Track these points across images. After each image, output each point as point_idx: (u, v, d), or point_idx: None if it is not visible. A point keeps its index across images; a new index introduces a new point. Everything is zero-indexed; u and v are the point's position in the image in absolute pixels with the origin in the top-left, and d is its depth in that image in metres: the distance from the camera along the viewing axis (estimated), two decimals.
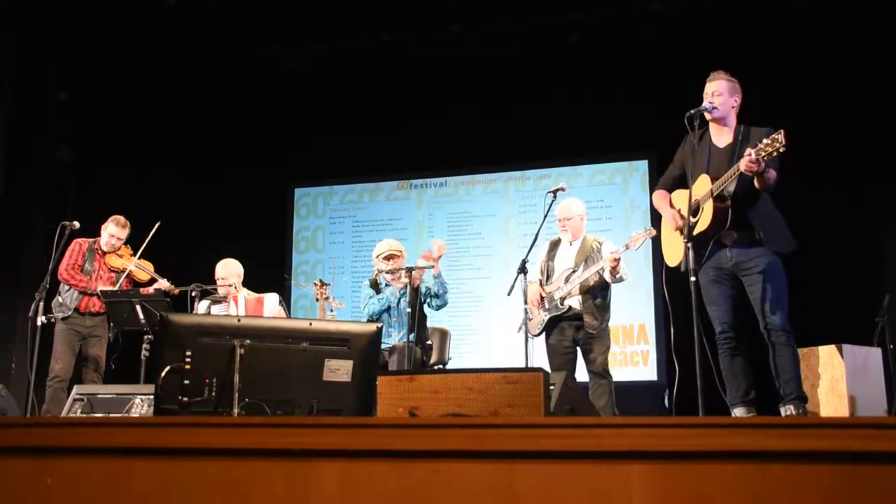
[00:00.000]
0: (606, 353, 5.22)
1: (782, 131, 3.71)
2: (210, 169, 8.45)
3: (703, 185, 4.03)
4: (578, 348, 5.27)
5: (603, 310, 5.21)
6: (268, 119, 8.43)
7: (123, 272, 6.02)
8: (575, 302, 5.22)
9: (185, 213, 8.12)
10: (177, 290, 6.02)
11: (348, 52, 8.13)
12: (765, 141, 3.74)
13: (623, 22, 7.51)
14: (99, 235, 6.10)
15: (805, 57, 6.79)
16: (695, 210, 4.03)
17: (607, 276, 5.12)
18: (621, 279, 5.14)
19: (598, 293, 5.20)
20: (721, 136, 4.16)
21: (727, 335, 4.07)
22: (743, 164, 3.79)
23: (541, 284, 5.36)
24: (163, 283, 6.03)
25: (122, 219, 6.11)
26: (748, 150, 3.81)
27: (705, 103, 4.11)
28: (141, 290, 5.98)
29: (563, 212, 5.39)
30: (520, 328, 5.33)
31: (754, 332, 4.06)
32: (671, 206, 4.30)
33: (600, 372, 5.15)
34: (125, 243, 6.16)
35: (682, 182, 4.29)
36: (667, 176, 4.44)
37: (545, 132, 7.84)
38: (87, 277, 5.96)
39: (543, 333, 5.36)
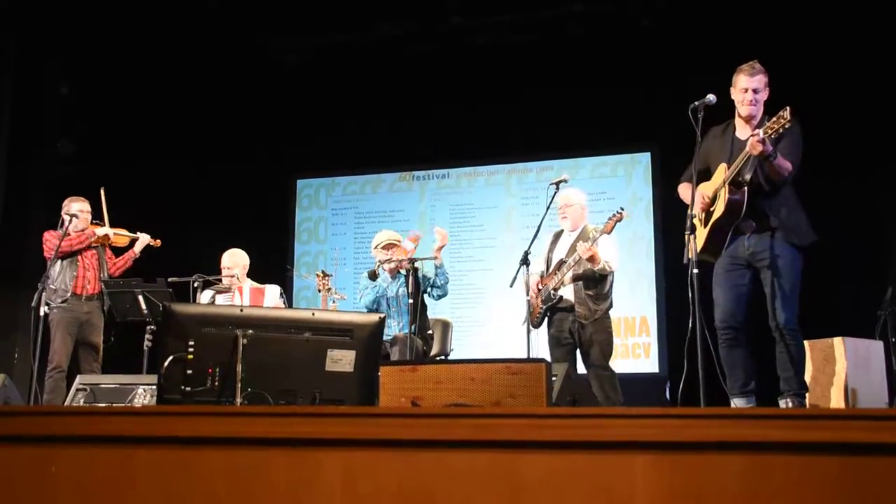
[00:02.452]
0: (604, 345, 5.07)
1: (788, 108, 3.68)
2: (212, 161, 8.44)
3: (720, 174, 4.01)
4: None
5: (598, 299, 5.08)
6: (270, 111, 8.42)
7: (105, 242, 6.01)
8: (568, 292, 5.14)
9: (187, 204, 8.12)
10: (158, 242, 6.11)
11: (350, 44, 8.11)
12: (772, 119, 3.72)
13: (625, 14, 7.49)
14: (61, 227, 5.95)
15: (807, 50, 6.76)
16: (713, 199, 4.01)
17: (596, 268, 5.05)
18: (604, 270, 5.04)
19: (590, 283, 5.08)
20: (745, 130, 4.06)
21: (727, 325, 4.04)
22: (749, 146, 3.77)
23: (541, 276, 5.33)
24: (143, 238, 6.09)
25: (78, 197, 6.06)
26: (755, 131, 3.79)
27: (742, 98, 4.01)
28: (127, 253, 6.08)
29: (564, 199, 5.32)
30: (524, 321, 5.32)
31: (759, 324, 4.04)
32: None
33: (597, 365, 5.03)
34: (91, 221, 6.10)
35: (706, 175, 4.22)
36: (690, 170, 4.37)
37: (547, 124, 7.82)
38: (80, 232, 5.93)
39: (545, 324, 5.34)
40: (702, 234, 4.07)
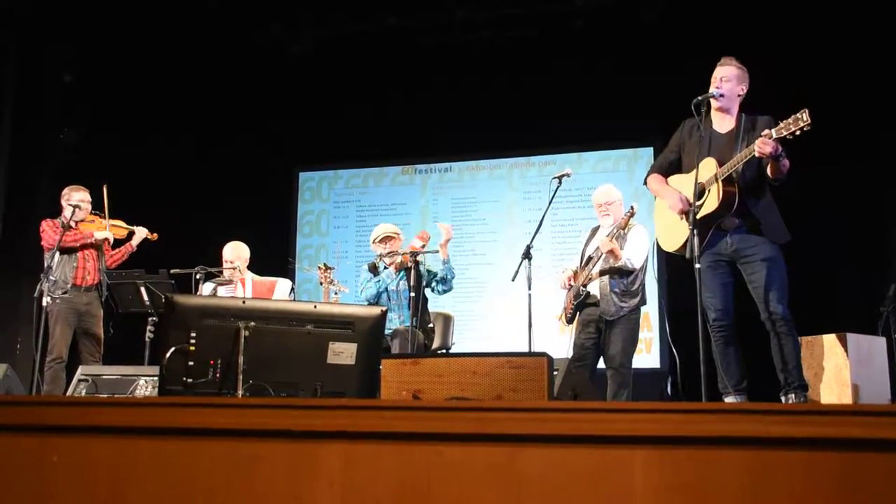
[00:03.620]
0: (626, 344, 4.97)
1: (806, 110, 3.61)
2: (215, 152, 8.44)
3: (708, 168, 4.01)
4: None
5: (625, 296, 5.01)
6: (273, 103, 8.42)
7: (102, 244, 6.00)
8: (595, 287, 5.09)
9: (190, 196, 8.13)
10: (155, 235, 6.12)
11: (354, 36, 8.10)
12: (787, 120, 3.68)
13: (628, 8, 7.47)
14: (61, 217, 5.97)
15: (815, 40, 6.74)
16: (700, 193, 4.00)
17: (617, 264, 5.01)
18: (625, 266, 5.02)
19: (615, 279, 5.02)
20: (723, 123, 4.13)
21: (721, 323, 4.06)
22: (758, 146, 3.74)
23: (574, 272, 5.27)
24: (140, 232, 6.11)
25: (79, 186, 6.06)
26: (765, 131, 3.77)
27: (712, 89, 4.08)
28: (124, 246, 6.08)
29: (604, 196, 5.28)
30: (560, 315, 5.31)
31: (749, 321, 4.05)
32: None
33: (615, 364, 4.95)
34: (91, 211, 6.08)
35: (678, 167, 4.28)
36: (661, 161, 4.40)
37: (550, 119, 7.81)
38: (76, 229, 5.91)
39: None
40: (682, 228, 4.08)
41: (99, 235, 5.95)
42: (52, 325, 5.76)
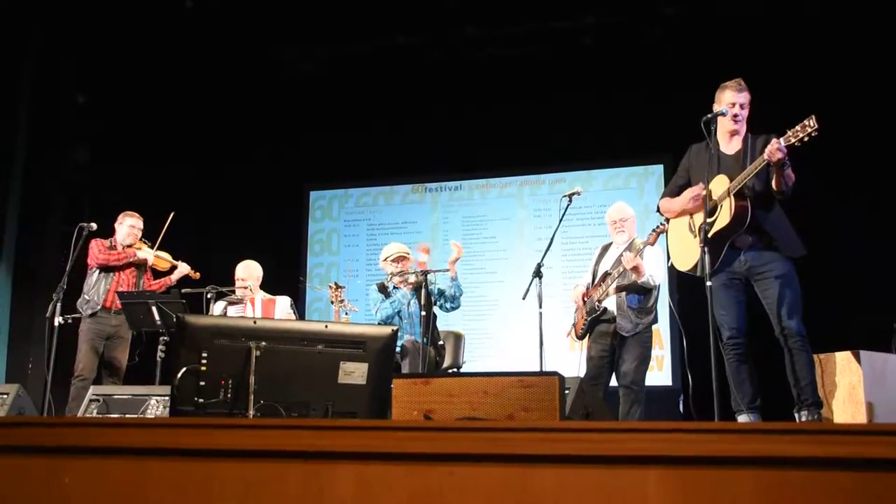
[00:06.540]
0: (640, 361, 4.96)
1: (814, 115, 3.64)
2: (226, 171, 8.48)
3: (720, 185, 4.01)
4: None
5: (641, 313, 5.01)
6: (283, 121, 8.46)
7: (145, 263, 6.07)
8: (611, 303, 5.08)
9: (200, 214, 8.15)
10: (198, 274, 6.15)
11: (364, 54, 8.15)
12: (795, 128, 3.70)
13: (637, 26, 7.49)
14: (111, 236, 6.11)
15: (819, 59, 6.74)
16: (711, 210, 4.00)
17: (640, 280, 5.00)
18: (648, 283, 5.01)
19: (633, 296, 5.03)
20: (730, 144, 4.15)
21: (735, 341, 4.05)
22: (767, 152, 3.75)
23: (587, 288, 5.28)
24: (183, 268, 6.15)
25: (133, 212, 6.18)
26: (774, 139, 3.78)
27: (723, 107, 4.08)
28: (164, 279, 6.14)
29: (619, 213, 5.30)
30: (569, 332, 5.30)
31: (762, 338, 4.03)
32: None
33: (628, 382, 4.92)
34: (141, 238, 6.18)
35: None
36: (671, 186, 4.44)
37: (560, 136, 7.82)
38: (126, 250, 6.00)
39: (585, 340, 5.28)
40: (694, 247, 4.07)
41: (140, 254, 6.03)
42: (80, 343, 5.87)
